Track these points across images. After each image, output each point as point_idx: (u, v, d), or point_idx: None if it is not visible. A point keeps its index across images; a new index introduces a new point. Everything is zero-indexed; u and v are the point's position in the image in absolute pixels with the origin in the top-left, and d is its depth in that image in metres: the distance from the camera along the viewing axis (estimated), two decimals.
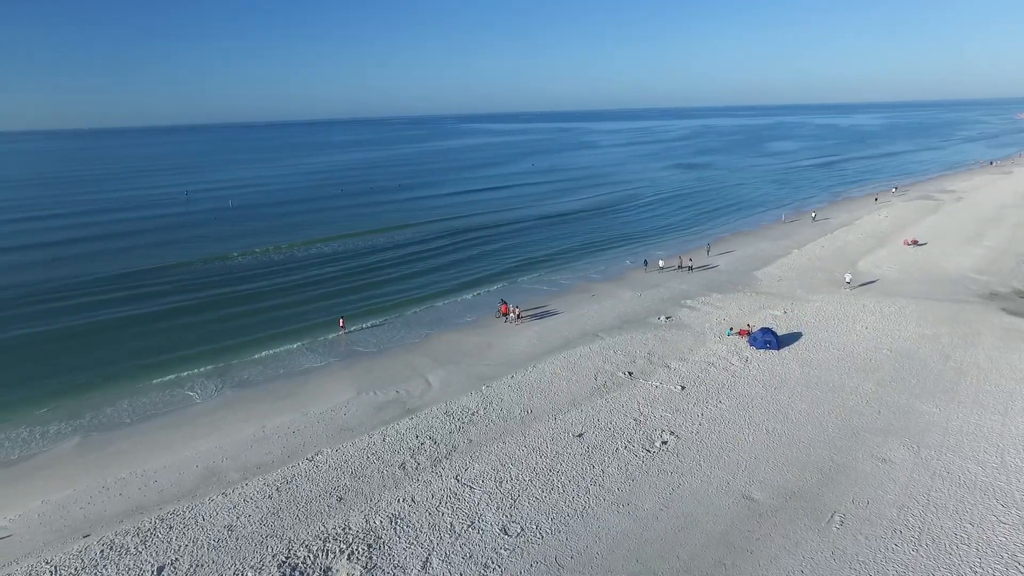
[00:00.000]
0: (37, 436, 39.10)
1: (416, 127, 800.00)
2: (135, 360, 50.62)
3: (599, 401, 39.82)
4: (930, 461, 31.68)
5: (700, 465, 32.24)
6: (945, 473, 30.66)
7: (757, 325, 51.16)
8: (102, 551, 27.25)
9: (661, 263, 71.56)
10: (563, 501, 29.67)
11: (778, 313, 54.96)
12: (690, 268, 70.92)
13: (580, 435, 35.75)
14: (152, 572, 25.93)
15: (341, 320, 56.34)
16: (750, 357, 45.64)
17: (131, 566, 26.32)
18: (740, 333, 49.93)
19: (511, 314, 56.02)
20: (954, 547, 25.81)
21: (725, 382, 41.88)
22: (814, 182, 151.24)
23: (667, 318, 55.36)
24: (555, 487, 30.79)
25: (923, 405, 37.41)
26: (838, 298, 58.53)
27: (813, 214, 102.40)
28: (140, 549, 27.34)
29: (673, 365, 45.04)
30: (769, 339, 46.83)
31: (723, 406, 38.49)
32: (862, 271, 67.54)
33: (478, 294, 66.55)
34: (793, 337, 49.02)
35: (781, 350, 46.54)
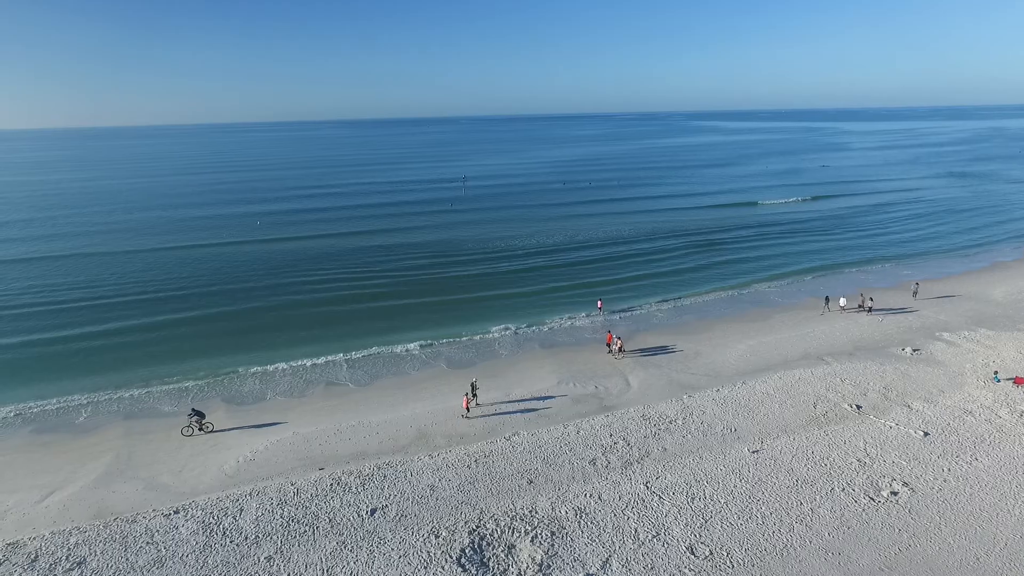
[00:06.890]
0: (298, 381, 46.83)
1: (645, 123, 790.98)
2: (381, 326, 58.15)
3: (816, 432, 35.66)
4: None
5: (940, 529, 27.17)
6: None
7: None
8: (331, 484, 31.72)
9: (843, 301, 58.37)
10: (761, 533, 27.18)
11: None
12: (869, 310, 57.45)
13: (756, 451, 33.45)
14: (367, 511, 29.49)
15: (599, 302, 60.94)
16: None
17: (351, 503, 30.23)
18: (1015, 381, 40.93)
19: (614, 345, 49.05)
20: None
21: (986, 436, 34.68)
22: None
23: (914, 350, 47.51)
24: (753, 516, 28.34)
25: None
26: None
27: None
28: (359, 489, 31.26)
29: (915, 406, 38.54)
30: None
31: (980, 464, 31.91)
32: None
33: (684, 301, 63.85)
34: None
35: None
